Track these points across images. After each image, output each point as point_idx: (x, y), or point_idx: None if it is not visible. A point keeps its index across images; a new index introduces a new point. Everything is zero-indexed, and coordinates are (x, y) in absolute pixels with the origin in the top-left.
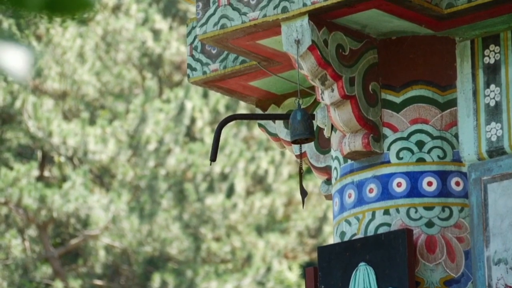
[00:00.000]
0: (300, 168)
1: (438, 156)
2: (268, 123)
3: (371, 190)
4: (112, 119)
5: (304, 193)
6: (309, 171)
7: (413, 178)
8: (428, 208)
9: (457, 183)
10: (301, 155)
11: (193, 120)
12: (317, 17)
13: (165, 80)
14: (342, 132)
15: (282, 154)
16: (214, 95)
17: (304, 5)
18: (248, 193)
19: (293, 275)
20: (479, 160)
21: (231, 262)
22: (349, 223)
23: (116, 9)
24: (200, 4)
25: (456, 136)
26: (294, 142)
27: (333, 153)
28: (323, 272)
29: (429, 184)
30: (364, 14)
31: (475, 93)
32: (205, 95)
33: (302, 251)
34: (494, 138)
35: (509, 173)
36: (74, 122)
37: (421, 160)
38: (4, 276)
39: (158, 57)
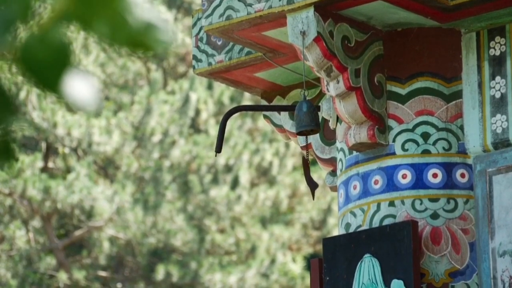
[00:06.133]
0: (307, 160)
1: (443, 148)
2: (274, 115)
3: (376, 182)
4: (117, 111)
5: (313, 184)
6: (314, 162)
7: (418, 169)
8: (433, 200)
9: (462, 175)
10: (307, 147)
11: (197, 112)
12: (323, 8)
13: (170, 72)
14: (348, 124)
15: (287, 146)
16: (218, 87)
17: None
18: (253, 185)
19: (297, 267)
20: (484, 152)
21: (235, 254)
22: (354, 215)
23: None
24: None
25: (461, 128)
26: (300, 133)
27: (338, 144)
28: (328, 264)
29: (434, 176)
30: (369, 6)
31: (480, 85)
32: (209, 87)
33: (307, 243)
34: (499, 130)
35: None
36: (79, 113)
37: (426, 152)
38: (8, 267)
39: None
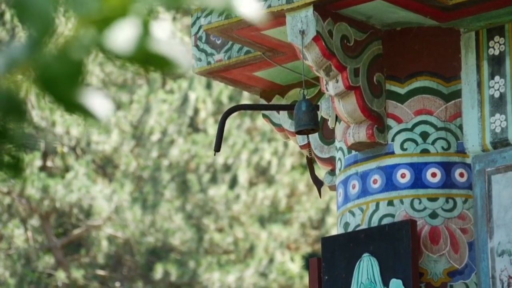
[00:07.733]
0: (310, 158)
1: (442, 147)
2: (273, 114)
3: (375, 181)
4: (116, 110)
5: (319, 183)
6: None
7: (417, 169)
8: (432, 199)
9: (461, 174)
10: (309, 145)
11: (196, 111)
12: (322, 7)
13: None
14: (347, 123)
15: (285, 145)
16: (217, 86)
17: None
18: (251, 184)
19: (295, 266)
20: (483, 151)
21: (233, 253)
22: (353, 214)
23: None
24: None
25: (460, 127)
26: (299, 132)
27: (337, 144)
28: (327, 263)
29: (433, 175)
30: (369, 5)
31: (479, 84)
32: (208, 86)
33: (305, 242)
34: (498, 130)
35: None
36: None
37: (425, 151)
38: (7, 266)
39: None
